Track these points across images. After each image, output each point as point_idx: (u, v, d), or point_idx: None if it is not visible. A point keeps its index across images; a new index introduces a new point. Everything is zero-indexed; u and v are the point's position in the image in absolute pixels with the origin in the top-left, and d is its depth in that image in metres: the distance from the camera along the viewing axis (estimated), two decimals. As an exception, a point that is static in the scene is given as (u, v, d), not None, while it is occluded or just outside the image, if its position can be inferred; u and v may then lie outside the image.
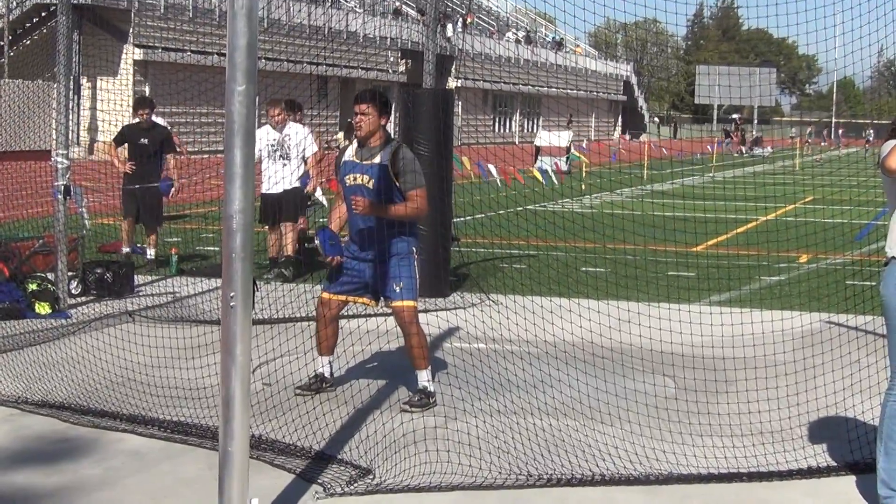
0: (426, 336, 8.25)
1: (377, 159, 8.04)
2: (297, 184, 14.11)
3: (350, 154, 8.23)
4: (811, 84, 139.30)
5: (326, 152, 18.65)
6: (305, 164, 14.20)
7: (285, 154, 13.99)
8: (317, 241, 8.13)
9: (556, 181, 29.24)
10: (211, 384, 7.84)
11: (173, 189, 14.54)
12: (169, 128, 15.55)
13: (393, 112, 11.61)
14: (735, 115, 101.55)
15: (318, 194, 19.83)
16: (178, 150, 15.46)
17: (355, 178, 8.10)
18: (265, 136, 13.87)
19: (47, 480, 6.45)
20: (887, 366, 6.38)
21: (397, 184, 7.99)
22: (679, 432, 7.40)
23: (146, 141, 14.40)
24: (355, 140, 8.25)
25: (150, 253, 14.44)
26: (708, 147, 53.60)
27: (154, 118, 14.94)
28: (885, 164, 5.96)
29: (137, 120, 14.57)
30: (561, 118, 69.94)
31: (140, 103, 14.73)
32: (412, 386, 8.19)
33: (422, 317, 8.49)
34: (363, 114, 8.04)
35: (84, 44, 40.33)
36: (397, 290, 8.00)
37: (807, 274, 15.26)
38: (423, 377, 8.04)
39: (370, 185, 8.02)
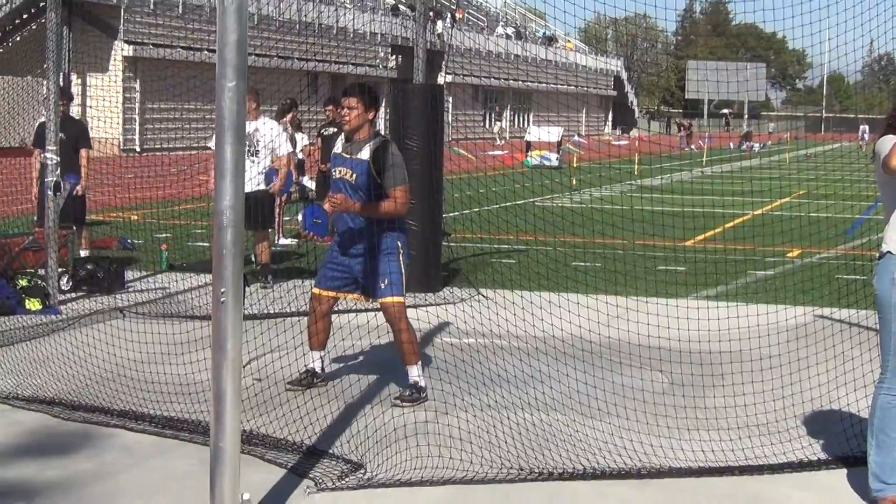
0: (416, 331, 8.26)
1: (362, 154, 8.04)
2: (264, 186, 12.90)
3: (339, 147, 8.25)
4: (801, 79, 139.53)
5: (313, 146, 18.65)
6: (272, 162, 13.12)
7: (254, 150, 12.72)
8: (299, 217, 8.11)
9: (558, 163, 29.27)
10: (202, 379, 7.84)
11: (79, 186, 13.41)
12: (85, 122, 14.05)
13: (383, 107, 11.52)
14: (725, 110, 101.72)
15: (306, 181, 19.82)
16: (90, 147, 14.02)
17: (340, 172, 8.11)
18: None
19: (39, 476, 6.44)
20: (874, 357, 6.41)
21: (379, 180, 7.99)
22: (670, 426, 7.42)
23: (63, 136, 12.76)
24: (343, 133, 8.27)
25: (83, 252, 13.50)
26: (699, 142, 53.63)
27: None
28: (888, 163, 5.88)
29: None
30: (551, 113, 69.91)
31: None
32: (403, 381, 8.20)
33: (412, 312, 8.49)
34: (350, 108, 8.04)
35: (73, 40, 40.23)
36: (384, 286, 8.00)
37: (797, 268, 15.30)
38: (414, 372, 8.05)
39: (353, 180, 8.02)
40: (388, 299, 8.02)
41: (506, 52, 73.99)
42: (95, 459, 6.74)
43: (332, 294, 8.24)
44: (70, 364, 8.69)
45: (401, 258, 8.07)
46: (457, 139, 49.17)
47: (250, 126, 12.85)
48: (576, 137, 52.06)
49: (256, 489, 6.08)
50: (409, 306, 8.24)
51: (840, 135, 71.00)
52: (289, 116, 17.12)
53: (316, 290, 8.26)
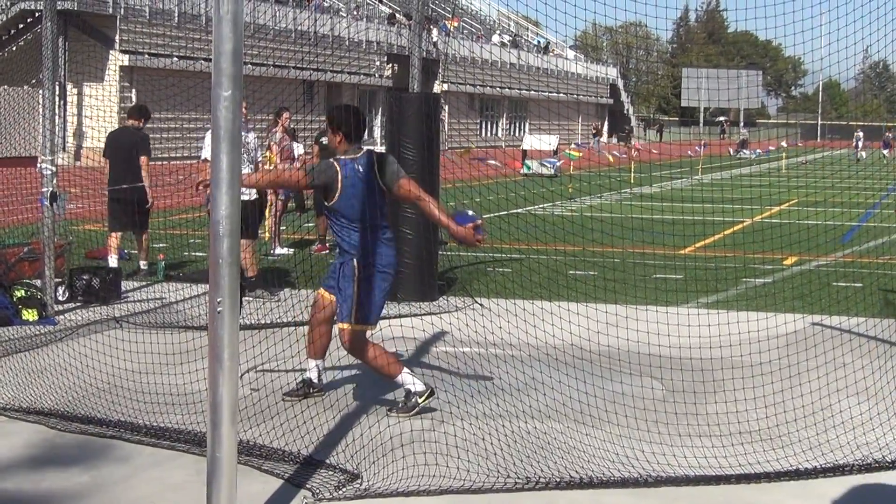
0: (379, 347, 7.97)
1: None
2: (255, 195, 12.80)
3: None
4: (797, 86, 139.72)
5: (309, 155, 18.64)
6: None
7: (251, 158, 12.91)
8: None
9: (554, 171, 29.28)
10: (199, 389, 7.84)
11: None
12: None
13: (379, 116, 11.52)
14: (722, 118, 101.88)
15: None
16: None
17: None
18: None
19: (35, 487, 6.44)
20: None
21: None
22: (667, 434, 7.42)
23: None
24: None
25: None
26: (696, 148, 53.60)
27: None
28: None
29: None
30: (543, 121, 69.88)
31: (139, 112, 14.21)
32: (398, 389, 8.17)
33: (408, 321, 8.46)
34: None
35: (70, 50, 40.26)
36: (338, 310, 7.92)
37: (793, 275, 15.31)
38: (401, 381, 7.91)
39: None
40: (339, 325, 7.87)
41: (501, 61, 74.06)
42: (92, 471, 6.73)
43: (333, 297, 8.09)
44: (66, 375, 8.68)
45: (354, 281, 7.81)
46: (452, 148, 49.16)
47: (246, 135, 12.92)
48: (573, 145, 52.00)
49: (253, 500, 6.08)
50: (405, 315, 8.22)
51: (832, 142, 70.88)
52: (278, 125, 17.18)
53: (321, 291, 8.12)
